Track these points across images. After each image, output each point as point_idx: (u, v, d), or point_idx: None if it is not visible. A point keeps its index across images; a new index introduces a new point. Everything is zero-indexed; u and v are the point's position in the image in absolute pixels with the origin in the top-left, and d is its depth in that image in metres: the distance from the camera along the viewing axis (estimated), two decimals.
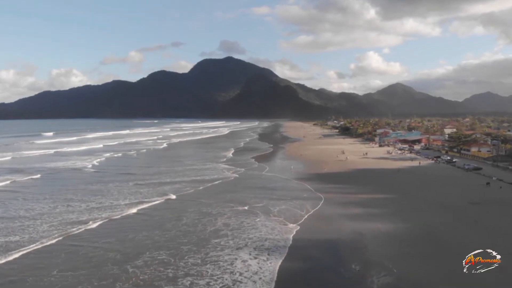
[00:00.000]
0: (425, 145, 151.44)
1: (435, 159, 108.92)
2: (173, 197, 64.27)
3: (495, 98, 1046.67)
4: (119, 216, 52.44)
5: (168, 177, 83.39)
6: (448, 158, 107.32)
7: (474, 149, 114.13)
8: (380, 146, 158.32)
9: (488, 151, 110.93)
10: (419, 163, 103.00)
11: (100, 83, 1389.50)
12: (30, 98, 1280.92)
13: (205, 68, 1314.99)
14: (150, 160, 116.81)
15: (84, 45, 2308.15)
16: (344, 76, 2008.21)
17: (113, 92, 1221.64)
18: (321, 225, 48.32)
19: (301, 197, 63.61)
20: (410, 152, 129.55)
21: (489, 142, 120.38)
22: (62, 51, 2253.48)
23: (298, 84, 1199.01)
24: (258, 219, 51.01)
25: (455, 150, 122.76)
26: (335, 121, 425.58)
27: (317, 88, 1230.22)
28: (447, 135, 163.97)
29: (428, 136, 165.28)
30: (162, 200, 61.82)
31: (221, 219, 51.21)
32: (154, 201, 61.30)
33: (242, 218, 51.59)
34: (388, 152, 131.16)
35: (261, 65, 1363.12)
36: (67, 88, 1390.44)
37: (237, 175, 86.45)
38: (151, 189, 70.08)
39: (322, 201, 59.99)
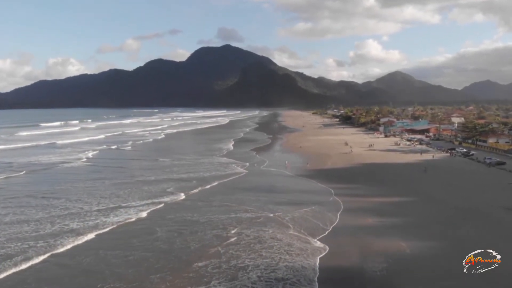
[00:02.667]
0: (435, 135, 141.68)
1: (449, 151, 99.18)
2: (167, 200, 54.46)
3: (495, 86, 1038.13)
4: (87, 238, 41.88)
5: (165, 174, 74.24)
6: (465, 150, 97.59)
7: (491, 140, 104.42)
8: (386, 136, 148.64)
9: (507, 142, 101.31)
10: (433, 156, 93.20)
11: (96, 72, 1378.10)
12: (26, 87, 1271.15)
13: (203, 56, 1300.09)
14: (148, 153, 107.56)
15: (81, 33, 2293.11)
16: (343, 64, 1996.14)
17: (109, 81, 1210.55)
18: (347, 243, 38.19)
19: (316, 201, 53.66)
20: (420, 144, 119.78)
21: (507, 132, 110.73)
22: (59, 39, 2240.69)
23: (296, 73, 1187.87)
24: (266, 231, 41.53)
25: (470, 141, 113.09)
26: (335, 110, 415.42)
27: (316, 77, 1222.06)
28: (456, 124, 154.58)
29: (437, 125, 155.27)
30: (151, 209, 51.36)
31: (210, 231, 41.65)
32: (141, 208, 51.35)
33: (243, 228, 42.28)
34: (396, 144, 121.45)
35: (259, 53, 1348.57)
36: (63, 77, 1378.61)
37: (238, 172, 76.24)
38: (141, 189, 60.79)
39: (342, 208, 49.95)
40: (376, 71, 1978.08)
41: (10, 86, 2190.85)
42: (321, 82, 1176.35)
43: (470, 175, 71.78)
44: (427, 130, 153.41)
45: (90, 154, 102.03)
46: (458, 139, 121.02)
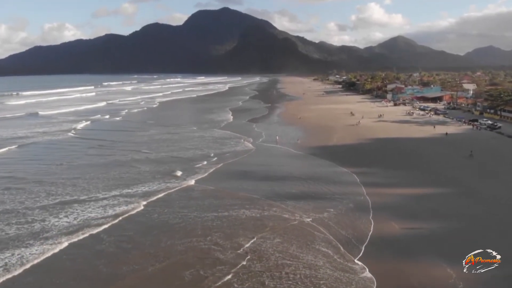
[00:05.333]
0: (449, 103, 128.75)
1: (472, 123, 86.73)
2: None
3: (497, 52, 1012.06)
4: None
5: (155, 151, 64.15)
6: (490, 122, 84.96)
7: None
8: (395, 105, 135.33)
9: None
10: (446, 134, 75.50)
11: (92, 37, 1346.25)
12: (21, 54, 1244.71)
13: (200, 20, 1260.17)
14: (142, 125, 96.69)
15: None
16: (345, 29, 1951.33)
17: (105, 46, 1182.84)
18: (393, 269, 26.50)
19: (336, 192, 41.90)
20: (436, 114, 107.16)
21: None
22: (54, 3, 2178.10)
23: (297, 37, 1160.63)
24: (272, 240, 30.45)
25: (492, 111, 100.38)
26: (337, 76, 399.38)
27: (317, 41, 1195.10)
28: (471, 91, 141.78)
29: (453, 92, 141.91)
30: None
31: (181, 241, 30.40)
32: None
33: (239, 236, 31.20)
34: (408, 113, 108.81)
35: (259, 17, 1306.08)
36: (59, 43, 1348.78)
37: (239, 151, 63.54)
38: (124, 173, 49.37)
39: (371, 206, 37.81)
40: (378, 36, 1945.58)
41: (6, 52, 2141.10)
42: (322, 47, 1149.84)
43: (506, 155, 59.64)
44: (440, 98, 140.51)
45: (80, 126, 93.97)
46: (478, 108, 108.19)
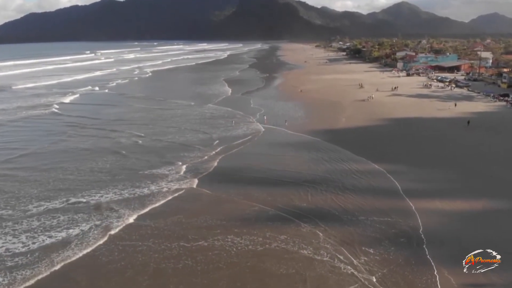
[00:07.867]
0: (468, 74, 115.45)
1: (505, 99, 74.16)
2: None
3: (502, 19, 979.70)
4: None
5: (134, 132, 53.69)
6: None
7: None
8: (408, 75, 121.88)
9: None
10: (468, 122, 56.25)
11: (88, 3, 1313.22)
12: (15, 21, 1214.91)
13: None
14: (128, 99, 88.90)
15: None
16: None
17: (102, 12, 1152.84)
18: None
19: (376, 210, 29.16)
20: (457, 86, 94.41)
21: None
22: None
23: (298, 2, 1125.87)
24: None
25: None
26: (341, 43, 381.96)
27: (319, 6, 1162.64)
28: (490, 60, 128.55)
29: (473, 61, 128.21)
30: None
31: None
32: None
33: None
34: (426, 86, 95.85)
35: None
36: (54, 9, 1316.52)
37: (236, 136, 52.11)
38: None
39: (424, 239, 25.21)
40: (381, 1, 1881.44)
41: (2, 19, 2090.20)
42: (324, 12, 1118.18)
43: None
44: (458, 68, 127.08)
45: (68, 99, 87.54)
46: (504, 80, 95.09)
